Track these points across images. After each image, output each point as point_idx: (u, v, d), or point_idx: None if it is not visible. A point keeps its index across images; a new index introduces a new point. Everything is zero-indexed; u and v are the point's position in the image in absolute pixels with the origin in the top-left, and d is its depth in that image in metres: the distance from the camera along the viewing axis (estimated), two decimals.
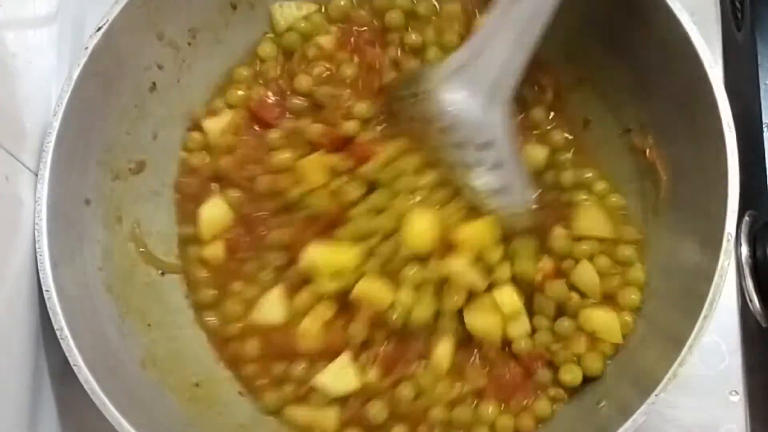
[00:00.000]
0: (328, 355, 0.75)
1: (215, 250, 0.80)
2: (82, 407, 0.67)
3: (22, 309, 0.69)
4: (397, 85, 0.79)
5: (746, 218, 0.77)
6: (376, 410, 0.74)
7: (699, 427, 0.78)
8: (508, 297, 0.74)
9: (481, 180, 0.73)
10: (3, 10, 0.71)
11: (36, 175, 0.70)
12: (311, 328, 0.75)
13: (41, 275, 0.67)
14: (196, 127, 0.83)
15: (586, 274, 0.75)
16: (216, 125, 0.82)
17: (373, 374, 0.74)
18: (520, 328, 0.75)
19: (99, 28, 0.72)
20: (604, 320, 0.74)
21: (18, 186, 0.69)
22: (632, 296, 0.75)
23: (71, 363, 0.66)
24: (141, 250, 0.80)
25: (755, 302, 0.77)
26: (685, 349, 0.63)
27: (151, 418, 0.69)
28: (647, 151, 0.77)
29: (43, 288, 0.67)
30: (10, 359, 0.68)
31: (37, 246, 0.68)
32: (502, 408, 0.75)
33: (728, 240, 0.65)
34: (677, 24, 0.69)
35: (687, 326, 0.64)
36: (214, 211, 0.80)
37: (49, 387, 0.73)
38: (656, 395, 0.63)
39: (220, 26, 0.83)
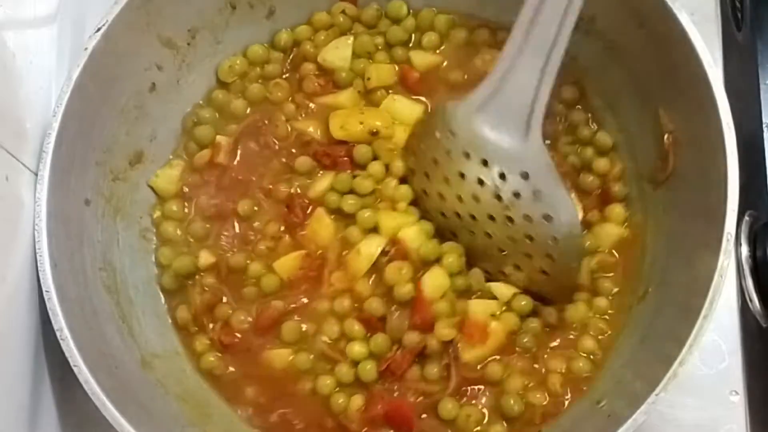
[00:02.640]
0: None
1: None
2: (82, 407, 0.67)
3: (22, 309, 0.69)
4: (421, 128, 0.79)
5: (746, 218, 0.77)
6: None
7: (699, 427, 0.78)
8: None
9: (524, 210, 0.73)
10: (3, 10, 0.71)
11: (36, 175, 0.70)
12: None
13: (41, 276, 0.67)
14: None
15: None
16: None
17: None
18: None
19: (98, 29, 0.72)
20: None
21: (18, 186, 0.69)
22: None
23: (71, 363, 0.66)
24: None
25: (755, 302, 0.77)
26: (685, 348, 0.63)
27: (151, 418, 0.69)
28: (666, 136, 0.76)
29: (43, 288, 0.67)
30: (10, 359, 0.67)
31: (37, 246, 0.68)
32: None
33: (728, 240, 0.65)
34: (677, 24, 0.69)
35: (687, 326, 0.64)
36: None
37: (49, 387, 0.73)
38: (656, 395, 0.63)
39: (219, 26, 0.83)
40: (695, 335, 0.64)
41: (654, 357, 0.69)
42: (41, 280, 0.67)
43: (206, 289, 0.80)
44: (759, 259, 0.77)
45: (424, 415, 0.75)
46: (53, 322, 0.67)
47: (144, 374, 0.74)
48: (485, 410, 0.75)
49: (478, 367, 0.76)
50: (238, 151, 0.83)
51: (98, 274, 0.74)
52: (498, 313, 0.77)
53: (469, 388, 0.76)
